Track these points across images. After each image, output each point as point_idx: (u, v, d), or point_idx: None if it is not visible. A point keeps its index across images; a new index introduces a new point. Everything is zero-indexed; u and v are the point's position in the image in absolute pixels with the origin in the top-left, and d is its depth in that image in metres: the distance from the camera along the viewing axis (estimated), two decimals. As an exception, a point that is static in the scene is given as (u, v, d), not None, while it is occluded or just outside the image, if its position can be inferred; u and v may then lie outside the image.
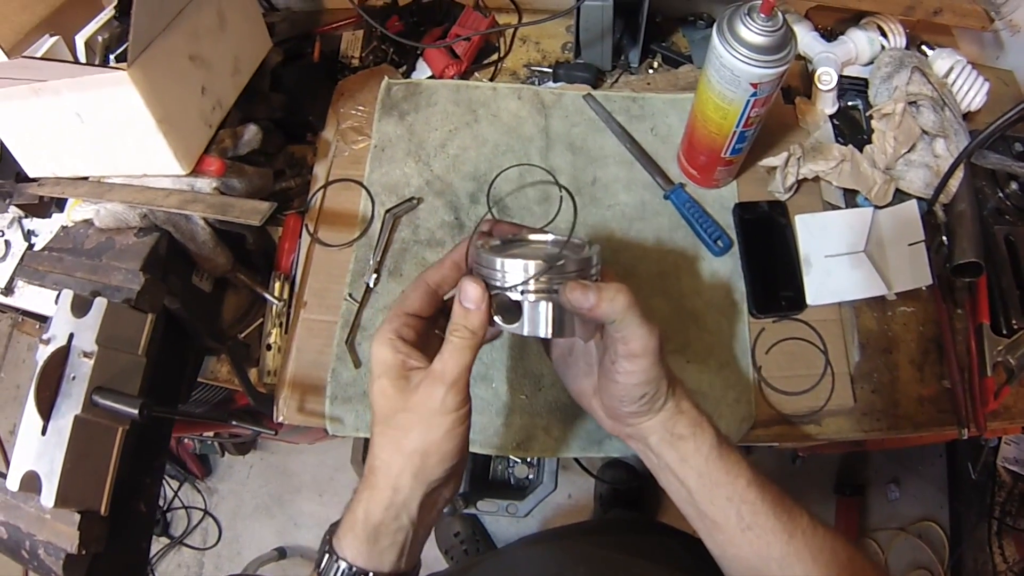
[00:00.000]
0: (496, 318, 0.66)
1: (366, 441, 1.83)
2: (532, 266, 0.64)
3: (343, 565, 0.65)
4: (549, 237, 0.74)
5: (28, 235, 1.17)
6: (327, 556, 0.66)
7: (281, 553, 2.45)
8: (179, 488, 2.57)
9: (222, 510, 2.59)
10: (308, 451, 2.58)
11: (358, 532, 0.65)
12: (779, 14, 0.86)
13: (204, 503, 2.58)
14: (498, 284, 0.65)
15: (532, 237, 0.75)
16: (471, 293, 0.65)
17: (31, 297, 1.12)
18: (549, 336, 0.67)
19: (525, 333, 0.67)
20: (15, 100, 0.95)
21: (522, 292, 0.65)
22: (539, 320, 0.66)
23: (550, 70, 1.30)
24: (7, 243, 1.17)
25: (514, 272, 0.64)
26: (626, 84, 1.29)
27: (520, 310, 0.66)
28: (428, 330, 0.72)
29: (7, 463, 0.86)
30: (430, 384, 0.64)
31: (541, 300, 0.65)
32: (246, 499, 2.60)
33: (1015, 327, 1.06)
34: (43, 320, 1.18)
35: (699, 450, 0.71)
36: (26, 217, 1.17)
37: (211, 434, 2.18)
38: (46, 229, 1.16)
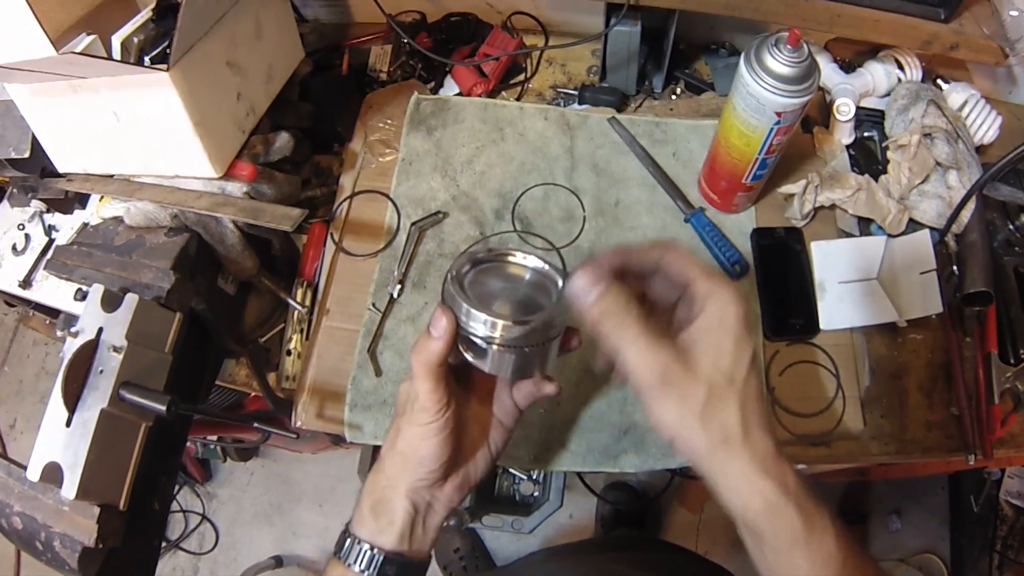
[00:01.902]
0: (467, 354, 0.69)
1: (374, 452, 1.85)
2: (498, 324, 0.65)
3: (354, 540, 0.73)
4: (530, 264, 0.74)
5: (49, 230, 1.18)
6: (342, 536, 0.75)
7: (278, 562, 2.44)
8: (178, 491, 2.55)
9: (221, 516, 2.57)
10: (311, 461, 2.58)
11: (362, 510, 0.75)
12: (805, 46, 0.88)
13: (203, 507, 2.56)
14: (462, 323, 0.67)
15: (515, 260, 0.75)
16: (439, 324, 0.67)
17: (49, 292, 1.13)
18: (509, 379, 0.73)
19: (488, 371, 0.70)
20: (53, 96, 0.97)
21: (485, 341, 0.67)
22: (502, 365, 0.68)
23: (575, 92, 1.32)
24: (27, 237, 1.18)
25: (476, 321, 0.65)
26: (649, 109, 1.32)
27: (485, 352, 0.68)
28: None
29: (6, 454, 0.86)
30: (412, 399, 0.71)
31: (504, 350, 0.67)
32: (245, 506, 2.58)
33: (1023, 356, 1.07)
34: (55, 315, 1.18)
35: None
36: (48, 212, 1.18)
37: (215, 438, 2.18)
38: (67, 225, 1.17)
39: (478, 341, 0.67)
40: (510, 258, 0.75)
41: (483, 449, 0.79)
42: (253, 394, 1.40)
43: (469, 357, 0.69)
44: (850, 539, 0.62)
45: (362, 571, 0.71)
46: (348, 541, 0.73)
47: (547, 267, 0.73)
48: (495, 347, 0.66)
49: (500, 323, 0.65)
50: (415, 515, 0.73)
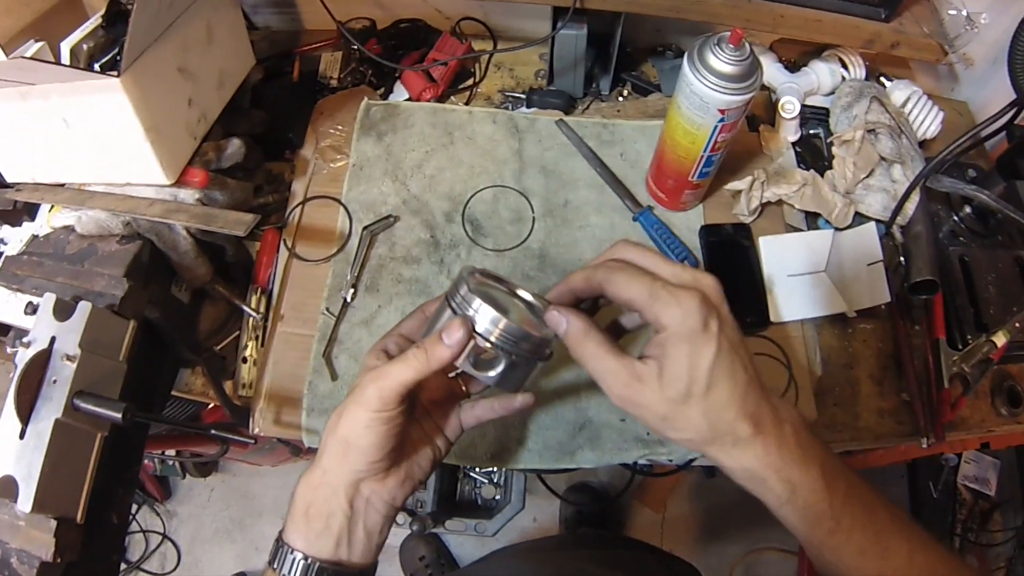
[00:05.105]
0: (468, 362, 0.67)
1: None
2: (502, 321, 0.66)
3: (286, 549, 0.68)
4: (528, 297, 0.75)
5: (-3, 243, 1.15)
6: (275, 544, 0.70)
7: (241, 578, 2.42)
8: (137, 511, 2.51)
9: (181, 534, 2.54)
10: (270, 474, 2.55)
11: (295, 515, 0.69)
12: (746, 45, 0.90)
13: (163, 527, 2.53)
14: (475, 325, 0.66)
15: (518, 292, 0.76)
16: (455, 336, 0.65)
17: None
18: (493, 384, 0.69)
19: (473, 374, 0.69)
20: (0, 103, 0.95)
21: (501, 349, 0.67)
22: (492, 370, 0.68)
23: (524, 96, 1.34)
24: (-28, 249, 1.15)
25: (489, 321, 0.66)
26: (597, 111, 1.33)
27: (493, 365, 0.68)
28: None
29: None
30: (366, 380, 0.66)
31: (506, 359, 0.67)
32: (206, 522, 2.55)
33: (969, 342, 1.10)
34: (4, 332, 1.16)
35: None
36: (-5, 224, 1.16)
37: (173, 453, 2.15)
38: (16, 238, 1.14)
39: (486, 344, 0.66)
40: (502, 285, 0.76)
41: (426, 449, 0.76)
42: (211, 406, 1.40)
43: (463, 363, 0.67)
44: (859, 496, 0.64)
45: None
46: (281, 550, 0.68)
47: (535, 300, 0.74)
48: (500, 352, 0.67)
49: (516, 326, 0.66)
50: (352, 516, 0.69)
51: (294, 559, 0.67)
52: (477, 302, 0.66)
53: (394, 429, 0.66)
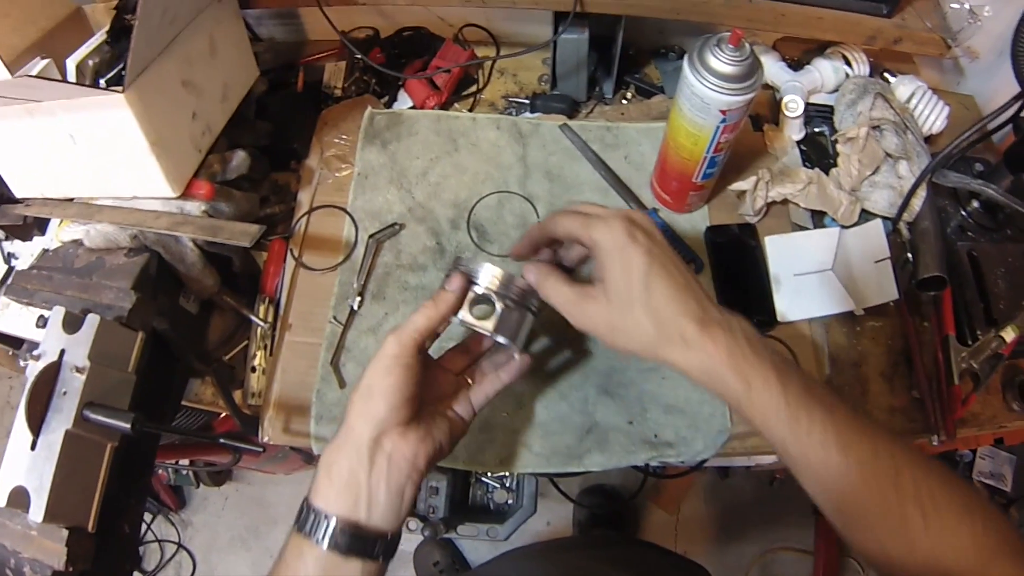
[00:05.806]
0: (465, 309, 0.80)
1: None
2: (500, 272, 0.81)
3: (307, 506, 0.73)
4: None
5: (8, 258, 1.16)
6: (301, 505, 0.74)
7: (257, 585, 2.42)
8: (152, 521, 2.52)
9: (196, 543, 2.55)
10: (284, 482, 2.56)
11: (319, 476, 0.74)
12: (746, 45, 0.90)
13: (178, 536, 2.54)
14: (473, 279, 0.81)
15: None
16: (455, 283, 0.79)
17: (10, 320, 1.10)
18: (490, 333, 0.81)
19: (491, 334, 0.81)
20: (7, 120, 0.96)
21: (494, 293, 0.80)
22: (495, 318, 0.81)
23: (527, 101, 1.34)
24: (-16, 266, 1.16)
25: (485, 273, 0.80)
26: (601, 114, 1.33)
27: (495, 313, 0.81)
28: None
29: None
30: (388, 335, 0.76)
31: (500, 304, 0.81)
32: (221, 531, 2.56)
33: (979, 337, 1.09)
34: (18, 346, 1.17)
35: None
36: (7, 239, 1.17)
37: (187, 462, 2.16)
38: (27, 252, 1.15)
39: (484, 293, 0.80)
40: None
41: (443, 421, 0.80)
42: (222, 415, 1.40)
43: (465, 315, 0.80)
44: (815, 395, 0.68)
45: (318, 542, 0.69)
46: (304, 511, 0.72)
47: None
48: (496, 300, 0.80)
49: (504, 272, 0.80)
50: (372, 471, 0.71)
51: (316, 518, 0.71)
52: (470, 257, 0.84)
53: (412, 375, 0.74)
